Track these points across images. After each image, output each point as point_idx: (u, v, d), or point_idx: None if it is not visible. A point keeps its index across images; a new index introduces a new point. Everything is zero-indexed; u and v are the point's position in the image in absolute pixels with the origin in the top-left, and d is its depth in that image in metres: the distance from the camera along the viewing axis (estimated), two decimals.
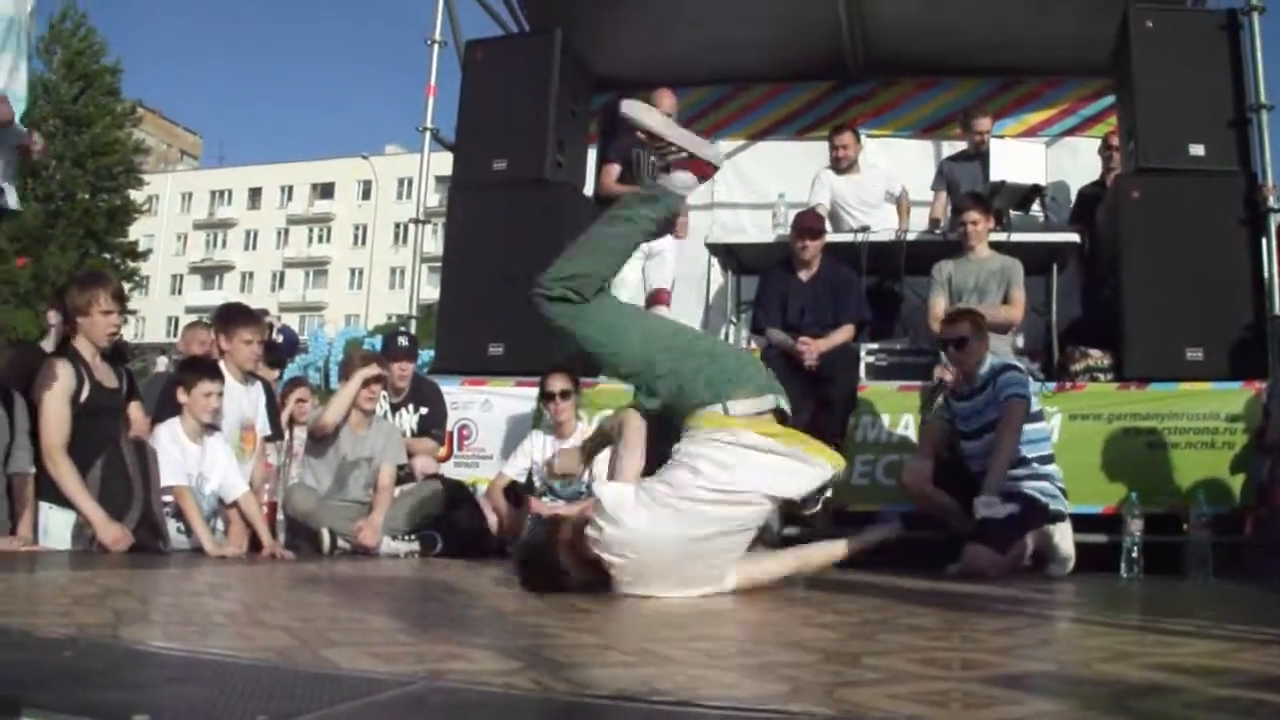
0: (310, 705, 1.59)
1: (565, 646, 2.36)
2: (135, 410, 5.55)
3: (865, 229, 7.48)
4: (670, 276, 7.60)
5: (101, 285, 5.30)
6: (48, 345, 5.72)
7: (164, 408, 5.66)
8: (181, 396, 5.46)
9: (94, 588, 3.28)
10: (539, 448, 6.28)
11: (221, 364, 5.80)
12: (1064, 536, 5.62)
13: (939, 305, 6.65)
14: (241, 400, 5.86)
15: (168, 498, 5.24)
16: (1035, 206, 7.62)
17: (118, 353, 5.57)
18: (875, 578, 4.60)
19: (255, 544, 5.56)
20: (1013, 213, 7.42)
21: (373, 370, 6.06)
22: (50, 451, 4.88)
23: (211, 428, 5.53)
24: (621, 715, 1.65)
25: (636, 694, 1.74)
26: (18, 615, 2.57)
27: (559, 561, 3.59)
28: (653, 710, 1.65)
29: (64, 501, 4.90)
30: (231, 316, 6.11)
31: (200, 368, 5.68)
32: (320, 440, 6.04)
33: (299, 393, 6.79)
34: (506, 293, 7.13)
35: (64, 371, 5.00)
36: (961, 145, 8.28)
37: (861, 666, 2.15)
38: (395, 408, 6.65)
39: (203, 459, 5.45)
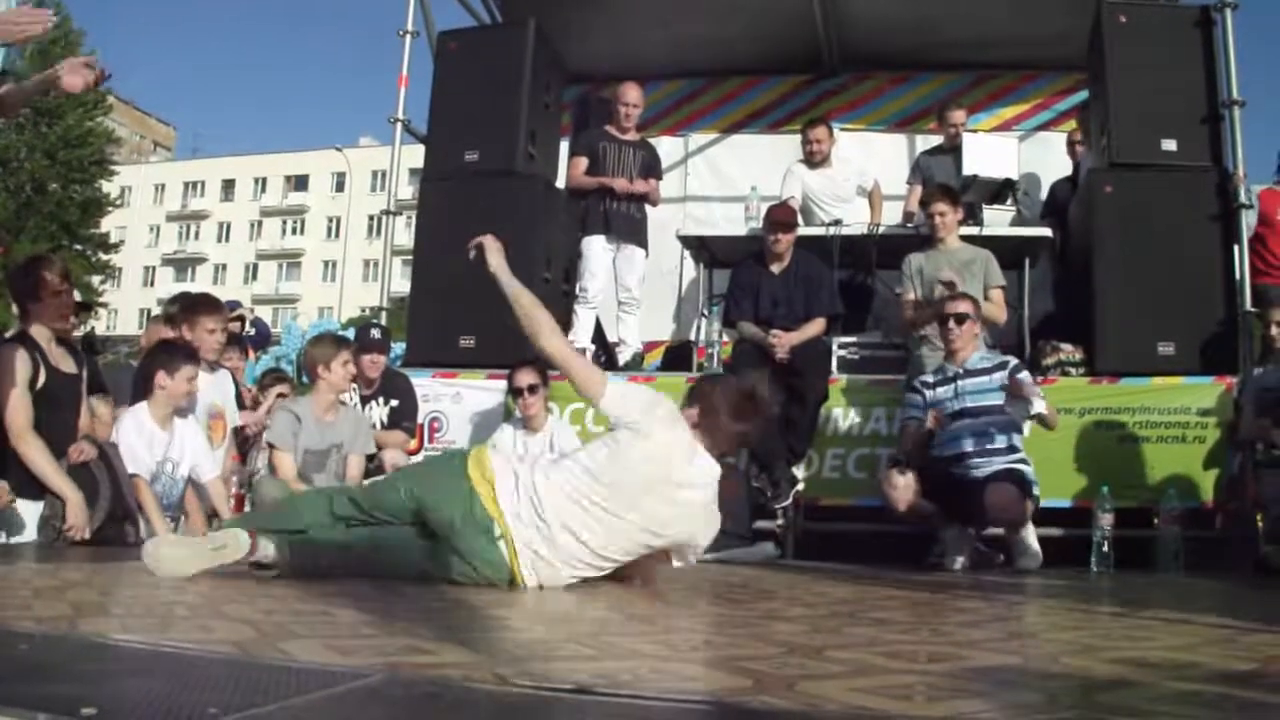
0: (265, 698, 1.56)
1: (527, 640, 2.34)
2: (101, 405, 5.47)
3: (837, 223, 7.47)
4: (641, 271, 7.58)
5: (44, 266, 5.12)
6: None
7: (138, 397, 5.59)
8: (163, 380, 5.30)
9: (55, 580, 3.23)
10: (509, 440, 6.26)
11: None
12: (1031, 530, 5.64)
13: (910, 297, 6.61)
14: (209, 389, 5.80)
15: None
16: (1008, 201, 7.62)
17: (88, 345, 5.46)
18: (846, 570, 4.61)
19: None
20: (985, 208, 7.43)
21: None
22: (19, 434, 4.74)
23: (183, 411, 5.44)
24: (579, 709, 1.63)
25: (595, 687, 1.72)
26: None
27: None
28: (611, 703, 1.63)
29: (30, 493, 4.78)
30: (194, 305, 6.05)
31: (182, 351, 5.52)
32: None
33: (280, 388, 6.72)
34: (478, 285, 7.11)
35: (17, 357, 4.83)
36: (936, 139, 8.28)
37: (825, 659, 2.14)
38: (366, 400, 6.60)
39: (171, 444, 5.36)
